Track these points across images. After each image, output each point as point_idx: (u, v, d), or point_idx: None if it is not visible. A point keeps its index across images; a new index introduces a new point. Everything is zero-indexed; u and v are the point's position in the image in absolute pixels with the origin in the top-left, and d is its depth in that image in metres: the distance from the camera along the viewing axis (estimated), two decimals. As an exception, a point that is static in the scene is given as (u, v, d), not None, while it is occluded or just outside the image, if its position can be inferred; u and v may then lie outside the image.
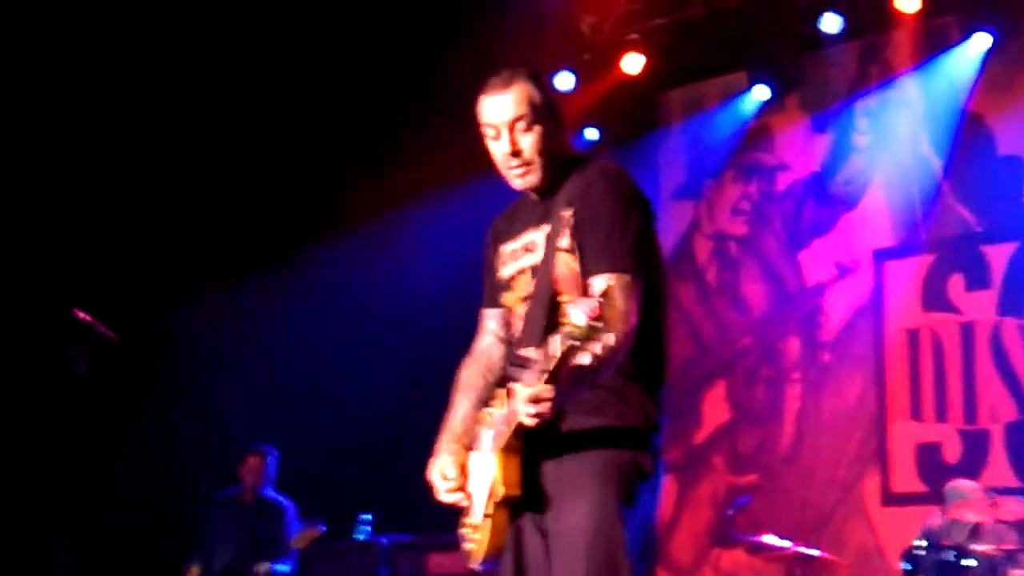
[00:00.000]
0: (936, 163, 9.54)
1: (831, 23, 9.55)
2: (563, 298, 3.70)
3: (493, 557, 3.77)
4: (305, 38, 9.73)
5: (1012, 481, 8.57)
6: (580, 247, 3.71)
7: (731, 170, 10.56)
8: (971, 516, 7.85)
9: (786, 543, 8.35)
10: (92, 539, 9.11)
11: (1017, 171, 9.22)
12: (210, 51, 9.61)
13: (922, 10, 9.23)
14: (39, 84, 9.37)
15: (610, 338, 3.33)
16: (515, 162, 3.82)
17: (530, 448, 3.67)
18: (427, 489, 3.93)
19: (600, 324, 3.26)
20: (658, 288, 3.79)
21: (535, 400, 3.42)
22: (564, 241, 3.73)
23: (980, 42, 9.24)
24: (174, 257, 9.97)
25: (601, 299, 3.28)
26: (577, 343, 3.28)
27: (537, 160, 3.81)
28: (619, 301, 3.53)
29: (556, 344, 3.33)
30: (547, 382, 3.40)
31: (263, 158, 10.10)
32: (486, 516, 3.73)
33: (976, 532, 7.87)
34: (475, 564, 3.83)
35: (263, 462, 9.10)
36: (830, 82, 10.08)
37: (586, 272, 3.67)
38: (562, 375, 3.39)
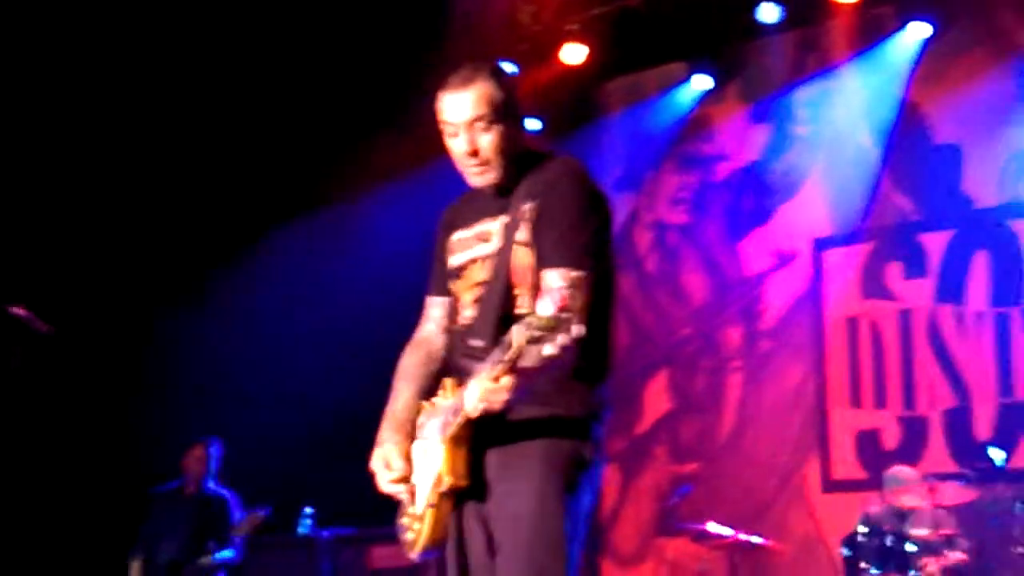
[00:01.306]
0: (874, 152, 9.61)
1: (769, 13, 9.60)
2: (517, 290, 3.69)
3: (433, 547, 3.75)
4: (261, 37, 9.64)
5: (950, 467, 8.65)
6: (537, 242, 3.69)
7: (671, 160, 10.60)
8: (910, 502, 7.93)
9: (728, 531, 8.40)
10: (31, 533, 9.02)
11: (954, 159, 9.31)
12: (160, 44, 9.51)
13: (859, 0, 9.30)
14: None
15: (581, 329, 3.31)
16: (473, 161, 3.79)
17: (474, 437, 3.65)
18: (369, 482, 3.89)
19: (567, 315, 3.25)
20: (608, 286, 3.77)
21: (492, 394, 3.41)
22: (522, 235, 3.71)
23: (917, 31, 9.32)
24: (115, 249, 9.86)
25: (568, 290, 3.26)
26: (540, 333, 3.26)
27: (495, 159, 3.78)
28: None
29: (516, 335, 3.31)
30: (504, 373, 3.39)
31: (213, 150, 9.98)
32: (429, 506, 3.70)
33: (915, 518, 7.95)
34: (414, 554, 3.80)
35: (207, 453, 9.03)
36: (769, 72, 10.13)
37: (540, 265, 3.66)
38: (519, 367, 3.38)
